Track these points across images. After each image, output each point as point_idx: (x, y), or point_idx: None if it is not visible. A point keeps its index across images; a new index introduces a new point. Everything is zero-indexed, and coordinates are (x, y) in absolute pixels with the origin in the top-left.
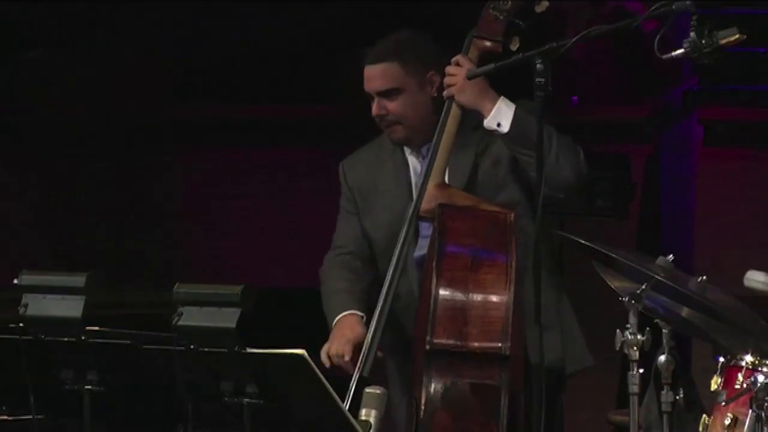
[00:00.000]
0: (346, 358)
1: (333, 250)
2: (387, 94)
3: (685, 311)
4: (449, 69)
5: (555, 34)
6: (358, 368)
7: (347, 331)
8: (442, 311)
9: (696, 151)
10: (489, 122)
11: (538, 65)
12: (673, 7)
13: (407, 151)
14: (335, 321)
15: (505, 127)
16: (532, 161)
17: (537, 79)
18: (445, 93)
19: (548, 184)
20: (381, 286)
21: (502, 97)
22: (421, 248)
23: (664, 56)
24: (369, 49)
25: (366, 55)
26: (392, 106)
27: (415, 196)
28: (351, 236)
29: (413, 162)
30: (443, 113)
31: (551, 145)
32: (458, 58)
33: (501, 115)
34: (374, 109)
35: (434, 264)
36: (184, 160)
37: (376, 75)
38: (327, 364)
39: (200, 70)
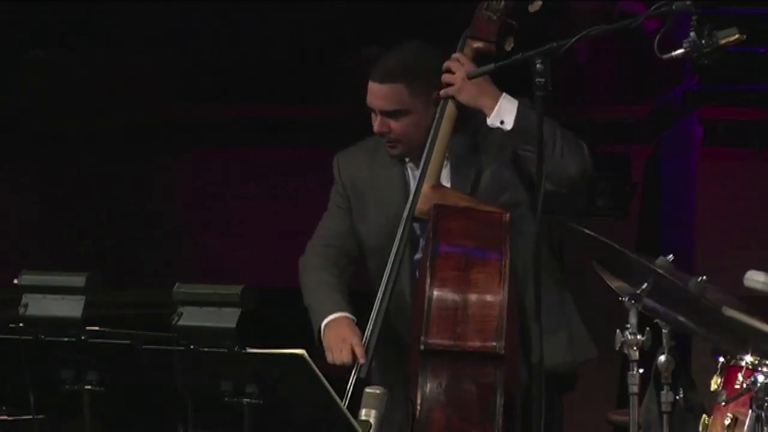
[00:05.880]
0: (347, 359)
1: (317, 239)
2: (391, 114)
3: None
4: (447, 65)
5: (560, 36)
6: (355, 370)
7: (346, 334)
8: (436, 311)
9: (696, 151)
10: (492, 120)
11: (538, 65)
12: (673, 7)
13: None
14: (329, 319)
15: (509, 124)
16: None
17: (537, 79)
18: (443, 92)
19: (553, 179)
20: (372, 285)
21: (504, 93)
22: (420, 251)
23: (664, 56)
24: (376, 62)
25: (373, 69)
26: (396, 126)
27: (410, 197)
28: (338, 232)
29: (410, 163)
30: (437, 114)
31: (555, 141)
32: (457, 55)
33: (504, 113)
34: (376, 127)
35: (427, 264)
36: (184, 160)
37: (381, 95)
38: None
39: (200, 70)
